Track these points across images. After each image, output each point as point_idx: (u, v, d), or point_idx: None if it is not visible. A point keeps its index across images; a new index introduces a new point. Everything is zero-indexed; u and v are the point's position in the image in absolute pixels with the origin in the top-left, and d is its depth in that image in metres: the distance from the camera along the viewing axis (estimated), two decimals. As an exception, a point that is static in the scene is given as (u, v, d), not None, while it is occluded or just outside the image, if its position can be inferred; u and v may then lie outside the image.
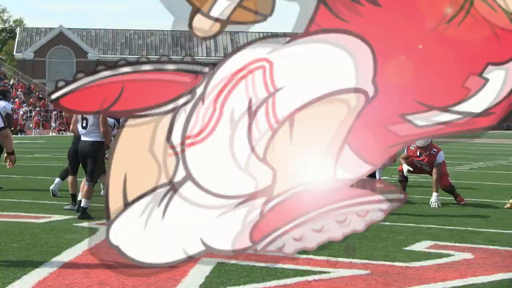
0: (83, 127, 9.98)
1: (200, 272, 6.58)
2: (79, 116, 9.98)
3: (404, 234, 8.85)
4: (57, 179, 12.32)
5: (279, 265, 6.91)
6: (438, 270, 6.89)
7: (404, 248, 7.94)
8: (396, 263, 7.15)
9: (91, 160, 10.02)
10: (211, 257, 7.22)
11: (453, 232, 9.10)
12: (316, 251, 7.56)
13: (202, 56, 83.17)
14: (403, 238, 8.60)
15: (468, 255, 7.60)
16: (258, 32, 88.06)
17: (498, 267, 7.06)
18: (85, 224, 9.23)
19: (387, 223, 9.78)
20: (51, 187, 12.18)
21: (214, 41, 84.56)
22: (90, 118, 9.93)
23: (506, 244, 8.35)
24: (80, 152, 10.13)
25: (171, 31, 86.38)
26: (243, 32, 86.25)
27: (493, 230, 9.34)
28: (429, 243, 8.30)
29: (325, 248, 7.78)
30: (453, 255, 7.61)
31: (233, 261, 7.06)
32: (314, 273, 6.64)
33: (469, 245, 8.23)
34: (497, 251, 7.93)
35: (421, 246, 8.11)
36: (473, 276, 6.66)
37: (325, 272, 6.67)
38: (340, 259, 7.26)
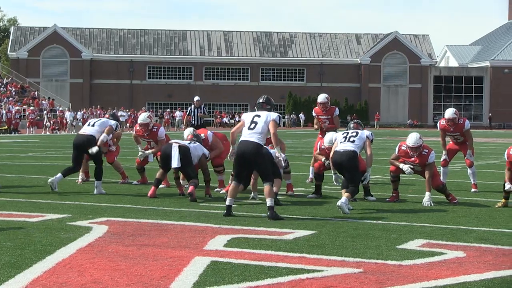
0: (250, 128, 10.17)
1: (194, 270, 6.62)
2: (249, 119, 10.25)
3: (397, 233, 8.90)
4: (59, 174, 12.52)
5: (273, 264, 6.94)
6: (431, 268, 6.92)
7: (397, 247, 7.98)
8: (389, 262, 7.18)
9: (257, 162, 10.15)
10: (205, 255, 7.26)
11: (445, 231, 9.14)
12: (309, 250, 7.61)
13: (196, 55, 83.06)
14: (396, 236, 8.64)
15: (460, 254, 7.64)
16: (252, 32, 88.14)
17: (490, 265, 7.10)
18: (78, 223, 9.24)
19: (380, 221, 9.84)
20: (50, 179, 12.37)
21: (207, 40, 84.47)
22: (260, 122, 10.15)
23: (498, 242, 8.41)
24: (243, 153, 10.13)
25: (165, 30, 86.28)
26: (236, 31, 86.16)
27: (485, 229, 9.38)
28: (421, 241, 8.34)
29: (319, 246, 7.83)
30: (446, 253, 7.65)
31: (227, 260, 7.10)
32: (307, 271, 6.67)
33: (461, 243, 8.27)
34: (489, 249, 7.97)
35: (414, 244, 8.15)
36: (465, 274, 6.70)
37: (318, 271, 6.70)
38: (333, 258, 7.29)
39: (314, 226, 9.28)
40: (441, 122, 13.57)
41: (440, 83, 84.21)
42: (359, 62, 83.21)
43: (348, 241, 8.28)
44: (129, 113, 62.92)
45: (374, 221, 9.87)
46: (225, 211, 10.12)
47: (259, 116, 10.29)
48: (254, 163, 10.20)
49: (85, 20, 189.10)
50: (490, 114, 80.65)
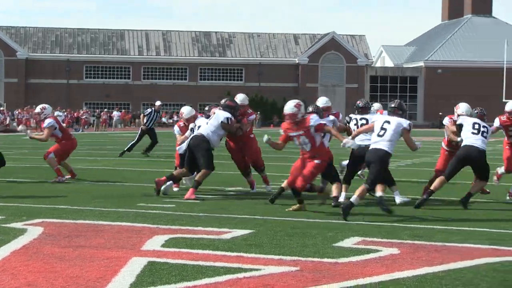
0: (379, 135, 10.43)
1: (131, 271, 6.58)
2: (379, 125, 10.52)
3: (333, 231, 9.00)
4: (169, 182, 12.51)
5: (210, 263, 6.96)
6: (366, 265, 7.04)
7: (333, 245, 8.08)
8: (325, 259, 7.27)
9: (376, 167, 10.40)
10: (142, 256, 7.23)
11: (380, 228, 9.30)
12: (247, 249, 7.65)
13: (134, 54, 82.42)
14: (333, 234, 8.75)
15: (394, 250, 7.78)
16: (190, 32, 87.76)
17: (422, 262, 7.25)
18: (13, 224, 9.10)
19: (317, 220, 9.94)
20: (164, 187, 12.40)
21: (146, 40, 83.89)
22: (389, 129, 10.42)
23: (430, 239, 8.58)
24: (368, 161, 10.49)
25: (103, 29, 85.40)
26: (175, 31, 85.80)
27: (418, 226, 9.57)
28: (357, 239, 8.46)
29: (256, 245, 7.88)
30: (381, 250, 7.78)
31: (164, 260, 7.08)
32: (245, 270, 6.70)
33: (395, 240, 8.42)
34: (422, 246, 8.14)
35: (350, 242, 8.26)
36: (399, 270, 6.83)
37: (256, 270, 6.74)
38: (270, 256, 7.35)
39: (252, 225, 9.32)
40: (502, 118, 12.74)
41: (376, 83, 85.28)
42: (297, 62, 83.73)
43: (286, 239, 8.35)
44: (65, 113, 62.05)
45: (312, 220, 9.97)
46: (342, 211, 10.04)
47: (389, 122, 10.46)
48: (374, 168, 10.44)
49: (21, 18, 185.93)
50: (440, 113, 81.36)
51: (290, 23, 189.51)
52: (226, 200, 12.00)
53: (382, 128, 10.45)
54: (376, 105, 14.17)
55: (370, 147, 10.55)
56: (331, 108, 12.63)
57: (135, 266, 6.79)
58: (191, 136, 12.44)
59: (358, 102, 12.28)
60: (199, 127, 12.72)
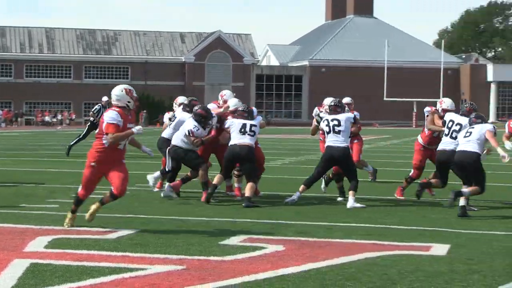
0: (465, 136, 11.02)
1: (12, 273, 6.43)
2: (463, 131, 11.11)
3: (219, 229, 9.07)
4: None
5: (95, 264, 6.88)
6: (251, 262, 7.12)
7: (219, 243, 8.13)
8: (211, 257, 7.32)
9: (473, 172, 10.92)
10: (24, 258, 7.07)
11: (266, 226, 9.42)
12: (132, 248, 7.61)
13: (16, 52, 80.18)
14: (219, 232, 8.81)
15: (279, 247, 7.91)
16: (75, 29, 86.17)
17: (307, 258, 7.40)
18: None
19: (204, 218, 9.98)
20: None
21: (28, 37, 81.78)
22: (475, 131, 11.02)
23: (315, 235, 8.77)
24: (461, 162, 10.94)
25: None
26: (58, 28, 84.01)
27: (302, 223, 9.76)
28: (243, 236, 8.55)
29: (142, 245, 7.85)
30: (266, 247, 7.89)
31: (47, 261, 6.95)
32: (130, 270, 6.67)
33: (280, 237, 8.56)
34: (306, 242, 8.30)
35: (236, 240, 8.34)
36: (284, 267, 6.94)
37: (141, 269, 6.72)
38: (156, 256, 7.33)
39: (138, 225, 9.27)
40: (511, 125, 11.89)
41: (262, 81, 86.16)
42: (183, 60, 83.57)
43: (172, 238, 8.35)
44: None
45: (198, 218, 10.00)
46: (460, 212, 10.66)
47: (473, 127, 11.13)
48: (471, 172, 10.91)
49: None
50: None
51: (176, 22, 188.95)
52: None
53: (467, 131, 11.08)
54: (345, 99, 14.35)
55: (459, 148, 11.04)
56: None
57: (17, 268, 6.64)
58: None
59: (330, 101, 12.01)
60: (175, 117, 12.68)
